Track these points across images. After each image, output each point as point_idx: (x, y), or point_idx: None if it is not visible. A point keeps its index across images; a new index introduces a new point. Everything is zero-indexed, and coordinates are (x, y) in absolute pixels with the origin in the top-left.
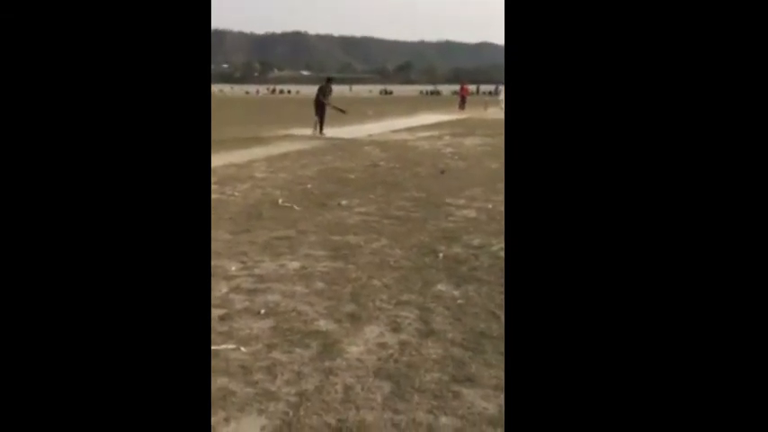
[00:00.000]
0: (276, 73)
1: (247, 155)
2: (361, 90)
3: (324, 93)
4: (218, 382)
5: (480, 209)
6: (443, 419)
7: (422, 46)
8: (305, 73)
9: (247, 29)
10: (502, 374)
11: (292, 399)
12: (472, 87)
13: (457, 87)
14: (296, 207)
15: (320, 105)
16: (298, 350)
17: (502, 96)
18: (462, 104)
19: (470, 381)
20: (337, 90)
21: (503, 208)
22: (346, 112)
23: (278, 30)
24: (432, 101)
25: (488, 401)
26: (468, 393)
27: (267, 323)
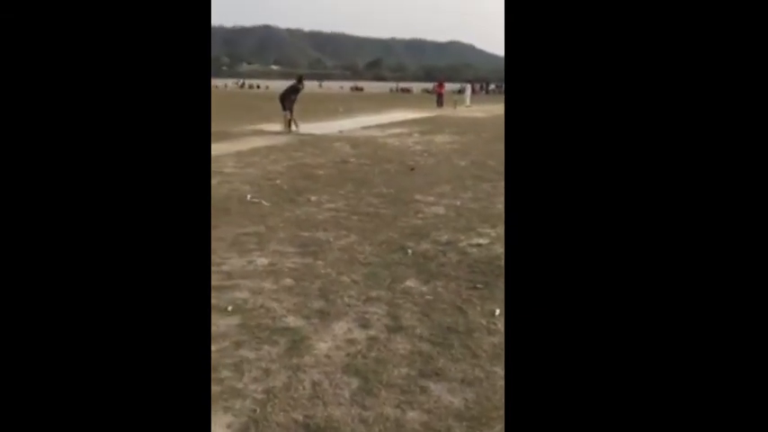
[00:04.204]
0: (245, 67)
1: (216, 150)
2: (332, 86)
3: (293, 91)
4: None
5: (449, 205)
6: (411, 414)
7: (392, 43)
8: (274, 68)
9: (216, 21)
10: (468, 368)
11: (259, 396)
12: (448, 86)
13: (427, 85)
14: (264, 203)
15: (289, 102)
16: (265, 347)
17: (467, 94)
18: (440, 102)
19: (437, 375)
20: (308, 86)
21: (471, 205)
22: (298, 129)
23: (247, 23)
24: (402, 98)
25: (455, 395)
26: (436, 388)
27: (234, 320)
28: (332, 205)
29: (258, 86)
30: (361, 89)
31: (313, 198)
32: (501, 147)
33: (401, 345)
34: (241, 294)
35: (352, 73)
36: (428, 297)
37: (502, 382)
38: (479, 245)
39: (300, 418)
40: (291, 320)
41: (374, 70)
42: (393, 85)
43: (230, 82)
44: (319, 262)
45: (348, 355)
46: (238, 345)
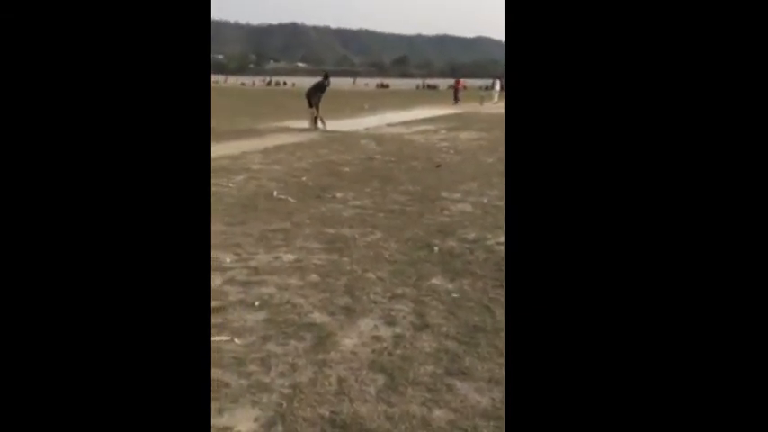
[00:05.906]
0: (272, 65)
1: (242, 146)
2: (358, 83)
3: (318, 89)
4: (211, 374)
5: (475, 203)
6: (437, 412)
7: (418, 39)
8: (301, 65)
9: (243, 19)
10: (495, 367)
11: (286, 391)
12: (467, 82)
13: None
14: (291, 199)
15: (315, 99)
16: (292, 342)
17: (496, 90)
18: (456, 98)
19: (464, 374)
20: (337, 83)
21: (498, 202)
22: (325, 126)
23: (274, 21)
24: (428, 95)
25: (481, 394)
26: (462, 386)
27: (261, 315)
28: (357, 202)
29: (285, 84)
30: (386, 86)
31: (339, 195)
32: None
33: (427, 342)
34: (268, 290)
35: (379, 70)
36: (454, 295)
37: None
38: None
39: (327, 413)
40: (317, 316)
41: (400, 67)
42: (419, 81)
43: (258, 80)
44: (345, 259)
45: (374, 351)
46: (265, 339)
